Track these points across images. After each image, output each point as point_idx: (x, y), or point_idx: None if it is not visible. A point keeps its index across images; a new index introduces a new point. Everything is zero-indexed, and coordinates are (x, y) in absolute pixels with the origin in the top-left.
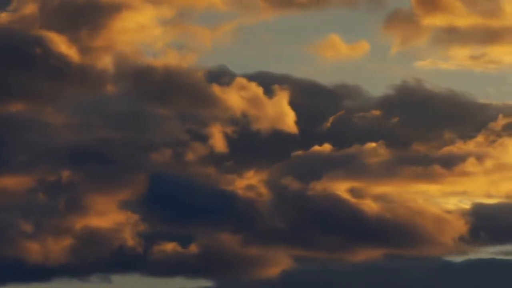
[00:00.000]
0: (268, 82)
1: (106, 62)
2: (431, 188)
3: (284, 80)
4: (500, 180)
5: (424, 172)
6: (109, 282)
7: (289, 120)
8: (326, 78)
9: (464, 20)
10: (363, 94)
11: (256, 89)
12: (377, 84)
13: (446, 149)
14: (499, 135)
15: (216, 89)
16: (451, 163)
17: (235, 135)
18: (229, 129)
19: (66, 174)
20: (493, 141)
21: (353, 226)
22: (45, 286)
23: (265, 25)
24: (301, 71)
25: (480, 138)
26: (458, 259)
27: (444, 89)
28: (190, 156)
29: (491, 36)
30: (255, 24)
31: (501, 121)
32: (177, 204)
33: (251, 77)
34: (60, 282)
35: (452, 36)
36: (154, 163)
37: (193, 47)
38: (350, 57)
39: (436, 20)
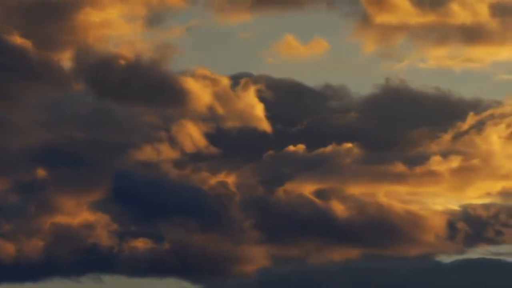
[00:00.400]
0: (243, 81)
1: (69, 59)
2: (401, 189)
3: (260, 79)
4: (478, 179)
5: (396, 172)
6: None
7: (262, 119)
8: (305, 77)
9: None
10: (347, 95)
11: (228, 88)
12: (362, 84)
13: (421, 149)
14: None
15: (187, 85)
16: (423, 163)
17: (206, 133)
18: (200, 127)
19: (33, 175)
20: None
21: (325, 226)
22: (19, 286)
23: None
24: (280, 71)
25: (448, 137)
26: (448, 259)
27: (420, 88)
28: (160, 155)
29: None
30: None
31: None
32: (147, 203)
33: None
34: (33, 283)
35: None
36: (123, 162)
37: (163, 45)
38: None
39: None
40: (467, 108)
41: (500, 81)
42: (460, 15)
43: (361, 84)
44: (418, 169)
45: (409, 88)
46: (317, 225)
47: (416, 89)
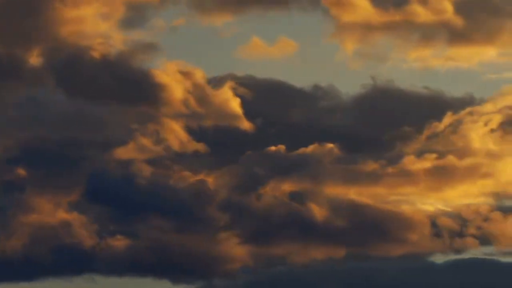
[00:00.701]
0: (222, 80)
1: (40, 56)
2: (383, 188)
3: (239, 78)
4: (457, 179)
5: (378, 172)
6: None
7: (241, 118)
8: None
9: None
10: (337, 95)
11: (207, 87)
12: (351, 84)
13: (403, 149)
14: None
15: (163, 83)
16: (404, 162)
17: (184, 131)
18: (177, 125)
19: (6, 175)
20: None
21: (305, 225)
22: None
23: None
24: (262, 71)
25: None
26: (440, 259)
27: (404, 88)
28: (137, 153)
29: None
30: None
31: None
32: (125, 202)
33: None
34: (11, 283)
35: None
36: (99, 162)
37: (137, 43)
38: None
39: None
40: (449, 106)
41: (488, 80)
42: (422, 14)
43: (347, 84)
44: (399, 169)
45: (395, 88)
46: (297, 225)
47: (400, 89)
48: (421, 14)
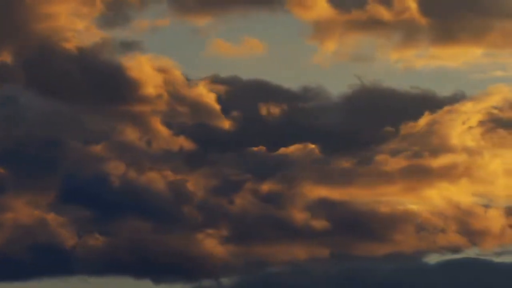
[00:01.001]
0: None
1: (11, 54)
2: (361, 190)
3: (225, 80)
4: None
5: (356, 172)
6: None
7: (221, 118)
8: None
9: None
10: (325, 96)
11: (186, 86)
12: (338, 84)
13: (382, 148)
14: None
15: (139, 81)
16: (382, 162)
17: (161, 130)
18: (156, 124)
19: None
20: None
21: (285, 226)
22: None
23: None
24: (244, 71)
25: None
26: (433, 259)
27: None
28: (114, 153)
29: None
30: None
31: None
32: (103, 202)
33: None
34: None
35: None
36: (74, 162)
37: (114, 42)
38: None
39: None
40: (425, 106)
41: (472, 79)
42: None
43: (334, 84)
44: (379, 169)
45: (380, 88)
46: (278, 225)
47: (382, 89)
48: (384, 14)
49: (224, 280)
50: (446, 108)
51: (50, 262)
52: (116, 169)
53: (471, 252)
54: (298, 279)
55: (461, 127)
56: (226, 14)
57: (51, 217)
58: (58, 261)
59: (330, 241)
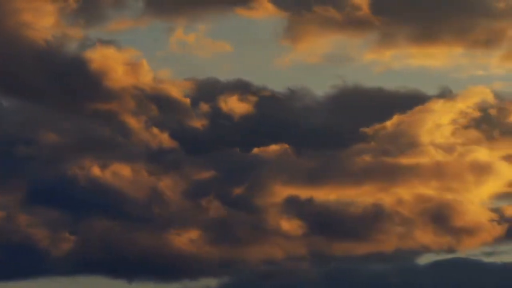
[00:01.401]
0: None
1: None
2: (338, 189)
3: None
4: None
5: (333, 172)
6: None
7: (194, 117)
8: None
9: None
10: (311, 96)
11: (155, 83)
12: (322, 84)
13: (359, 147)
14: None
15: (109, 78)
16: (359, 161)
17: (133, 129)
18: (126, 122)
19: None
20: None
21: (261, 226)
22: None
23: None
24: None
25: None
26: (423, 260)
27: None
28: (85, 153)
29: None
30: None
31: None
32: (72, 203)
33: None
34: None
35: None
36: (43, 162)
37: (84, 40)
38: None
39: None
40: (399, 107)
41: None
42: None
43: (318, 85)
44: (356, 168)
45: (361, 88)
46: (253, 225)
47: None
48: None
49: (202, 280)
50: (418, 108)
51: (22, 264)
52: (88, 169)
53: (462, 253)
54: (278, 279)
55: (435, 126)
56: (201, 14)
57: (21, 218)
58: (30, 262)
59: (307, 241)
